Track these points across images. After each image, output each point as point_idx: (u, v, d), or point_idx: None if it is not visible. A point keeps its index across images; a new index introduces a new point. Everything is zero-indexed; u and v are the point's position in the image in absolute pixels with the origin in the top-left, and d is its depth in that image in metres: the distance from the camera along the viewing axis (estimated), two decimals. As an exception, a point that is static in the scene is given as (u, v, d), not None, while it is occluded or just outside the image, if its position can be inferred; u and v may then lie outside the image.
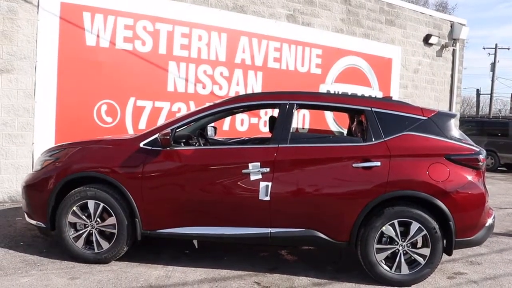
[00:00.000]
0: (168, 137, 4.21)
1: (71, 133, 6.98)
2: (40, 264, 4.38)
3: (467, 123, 16.87)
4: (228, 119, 8.62)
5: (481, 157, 4.20)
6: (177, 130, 4.46)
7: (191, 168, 4.30)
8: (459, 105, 13.24)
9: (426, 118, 4.28)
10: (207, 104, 4.68)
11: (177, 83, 8.13)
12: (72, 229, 4.48)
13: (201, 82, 8.36)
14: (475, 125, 16.93)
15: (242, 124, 8.86)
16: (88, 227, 4.45)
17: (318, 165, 4.19)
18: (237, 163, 4.23)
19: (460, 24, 12.20)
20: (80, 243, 4.46)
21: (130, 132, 7.63)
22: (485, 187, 4.23)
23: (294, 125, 9.45)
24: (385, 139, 4.20)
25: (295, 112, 4.40)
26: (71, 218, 4.45)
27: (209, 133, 5.98)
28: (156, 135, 4.32)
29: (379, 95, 10.42)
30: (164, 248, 4.96)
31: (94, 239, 4.44)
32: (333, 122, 9.94)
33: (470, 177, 4.12)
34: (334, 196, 4.14)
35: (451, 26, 12.27)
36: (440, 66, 12.11)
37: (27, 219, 4.77)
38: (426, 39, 11.58)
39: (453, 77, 12.34)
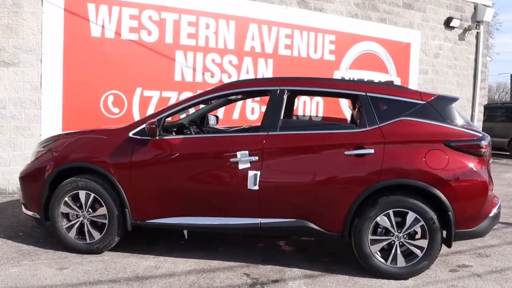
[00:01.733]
0: (153, 126, 4.11)
1: (78, 124, 6.97)
2: (34, 254, 4.38)
3: (498, 109, 16.25)
4: (238, 108, 8.49)
5: (484, 143, 3.94)
6: (167, 119, 4.37)
7: (179, 157, 4.20)
8: (483, 91, 12.69)
9: (425, 102, 4.04)
10: (198, 92, 4.55)
11: (184, 72, 8.04)
12: (64, 220, 4.47)
13: (210, 71, 8.25)
14: (505, 111, 16.25)
15: (253, 113, 8.71)
16: (80, 217, 4.43)
17: (309, 153, 4.02)
18: (225, 151, 4.10)
19: (484, 5, 11.65)
20: (72, 234, 4.44)
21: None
22: (489, 175, 3.97)
23: (307, 112, 9.54)
24: (379, 125, 3.98)
25: (286, 98, 4.22)
26: (63, 209, 4.44)
27: (210, 122, 5.89)
28: (145, 125, 4.24)
29: (397, 81, 10.08)
30: (160, 239, 4.89)
31: (86, 229, 4.42)
32: (348, 109, 9.67)
33: (471, 164, 3.87)
34: (325, 185, 3.96)
35: (474, 8, 11.73)
36: (462, 50, 11.62)
37: (24, 210, 4.78)
38: (447, 22, 11.11)
39: (477, 61, 11.82)
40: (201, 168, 4.15)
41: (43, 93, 7.01)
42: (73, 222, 4.44)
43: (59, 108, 7.12)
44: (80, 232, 4.45)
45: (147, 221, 4.31)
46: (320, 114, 9.50)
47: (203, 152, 4.18)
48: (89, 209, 4.41)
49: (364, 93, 4.12)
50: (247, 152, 4.03)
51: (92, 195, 4.37)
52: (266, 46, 8.79)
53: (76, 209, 4.42)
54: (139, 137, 4.30)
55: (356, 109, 4.61)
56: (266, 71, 8.76)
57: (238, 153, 4.04)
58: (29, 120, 6.99)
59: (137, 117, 7.67)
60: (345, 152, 3.93)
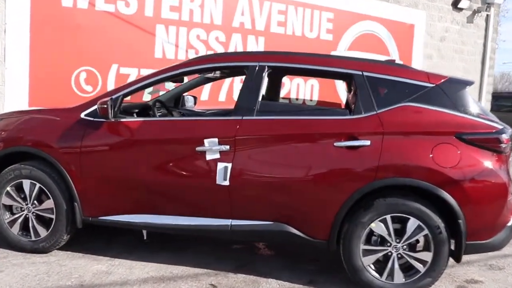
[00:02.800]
0: (105, 106, 3.42)
1: (46, 102, 6.27)
2: (-31, 252, 3.74)
3: (505, 99, 15.59)
4: (225, 87, 7.76)
5: (505, 137, 3.25)
6: (125, 98, 3.68)
7: (136, 143, 3.53)
8: (491, 78, 11.93)
9: (433, 85, 3.34)
10: (163, 68, 3.84)
11: (166, 49, 7.30)
12: (7, 213, 3.83)
13: (194, 48, 7.50)
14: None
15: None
16: (24, 210, 3.78)
17: (291, 143, 3.33)
18: (191, 138, 3.43)
19: (496, -14, 10.85)
20: (15, 229, 3.81)
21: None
22: (508, 175, 3.29)
23: (300, 96, 8.81)
24: (377, 112, 3.29)
25: (266, 76, 3.52)
26: (5, 200, 3.80)
27: (187, 103, 5.22)
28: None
29: (399, 65, 9.33)
30: (121, 236, 4.23)
31: (30, 224, 3.78)
32: (346, 93, 8.95)
33: (488, 162, 3.19)
34: (309, 182, 3.29)
35: (485, -11, 10.94)
36: (470, 34, 10.84)
37: None
38: (455, 3, 10.32)
39: (485, 46, 11.04)
40: (161, 157, 3.48)
41: (7, 67, 6.28)
42: (16, 215, 3.80)
43: (25, 84, 6.40)
44: (25, 227, 3.81)
45: (99, 217, 3.65)
46: (316, 98, 8.79)
47: (164, 139, 3.50)
48: (35, 202, 3.75)
49: (360, 73, 3.42)
50: (216, 140, 3.35)
51: (38, 185, 3.72)
52: (257, 23, 8.04)
53: (20, 201, 3.77)
54: (91, 118, 3.63)
55: (352, 93, 3.91)
56: (256, 49, 8.02)
57: (206, 141, 3.36)
58: (-9, 96, 6.29)
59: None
60: (335, 144, 3.25)
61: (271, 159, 3.34)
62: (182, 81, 4.65)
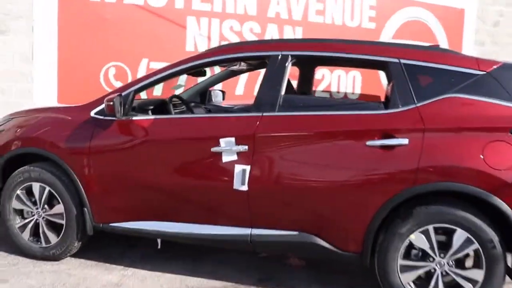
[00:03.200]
0: (111, 103, 3.13)
1: (75, 100, 6.08)
2: (-18, 258, 3.57)
3: None
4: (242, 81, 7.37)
5: None
6: (136, 94, 3.38)
7: (146, 143, 3.22)
8: (553, 66, 10.94)
9: (484, 73, 2.83)
10: (177, 61, 3.50)
11: (197, 41, 6.98)
12: (18, 217, 3.63)
13: (227, 40, 7.16)
14: None
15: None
16: (34, 215, 3.57)
17: (317, 142, 2.91)
18: (205, 138, 3.08)
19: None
20: (26, 235, 3.60)
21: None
22: None
23: (341, 89, 8.31)
24: (417, 105, 2.82)
25: (289, 67, 3.11)
26: (15, 204, 3.60)
27: (214, 98, 4.91)
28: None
29: (449, 54, 8.63)
30: (139, 242, 3.95)
31: (40, 230, 3.56)
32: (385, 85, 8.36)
33: (552, 163, 2.67)
34: (338, 187, 2.87)
35: (546, -33, 9.97)
36: (529, 18, 9.94)
37: None
38: (512, -15, 9.48)
39: (545, 31, 10.11)
40: (174, 159, 3.15)
41: (35, 64, 6.20)
42: (27, 220, 3.59)
43: (53, 81, 6.29)
44: (35, 233, 3.60)
45: (110, 224, 3.38)
46: (358, 91, 8.26)
47: (177, 138, 3.17)
48: (45, 206, 3.53)
49: (396, 60, 2.95)
50: (233, 139, 2.99)
51: (47, 188, 3.49)
52: (294, 12, 7.59)
53: (30, 205, 3.56)
54: (101, 117, 3.35)
55: (389, 83, 3.44)
56: (293, 41, 7.60)
57: (222, 141, 3.00)
58: (20, 95, 6.21)
59: (142, 93, 6.78)
60: (368, 143, 2.81)
61: (295, 160, 2.94)
62: (203, 74, 4.30)
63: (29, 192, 3.56)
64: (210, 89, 4.92)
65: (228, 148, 2.99)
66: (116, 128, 3.28)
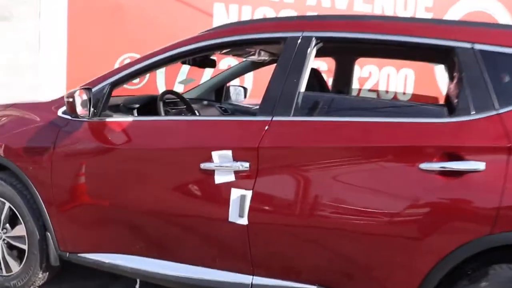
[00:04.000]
0: (71, 99, 2.37)
1: None
2: None
3: None
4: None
5: None
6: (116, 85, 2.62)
7: (120, 154, 2.42)
8: None
9: None
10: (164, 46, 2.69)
11: (225, 32, 6.24)
12: (-21, 240, 2.95)
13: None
14: None
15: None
16: (-6, 237, 2.88)
17: (348, 161, 2.04)
18: (192, 149, 2.26)
19: None
20: (-14, 260, 2.91)
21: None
22: None
23: (391, 88, 7.34)
24: (499, 112, 1.89)
25: (312, 53, 2.25)
26: (-26, 223, 2.91)
27: (233, 96, 4.12)
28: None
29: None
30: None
31: (0, 255, 2.86)
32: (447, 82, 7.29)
33: None
34: (375, 228, 1.97)
35: None
36: None
37: None
38: None
39: None
40: (154, 176, 2.34)
41: (42, 55, 5.61)
42: (-14, 243, 2.91)
43: (62, 74, 5.68)
44: (-4, 258, 2.91)
45: (79, 254, 2.62)
46: (410, 91, 7.25)
47: (157, 148, 2.36)
48: (6, 225, 2.83)
49: (468, 45, 2.02)
50: (229, 152, 2.15)
51: (7, 204, 2.77)
52: (338, 0, 6.72)
53: (-11, 224, 2.87)
54: (69, 117, 2.61)
55: (453, 80, 2.47)
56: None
57: (214, 154, 2.17)
58: (25, 89, 5.61)
59: (162, 89, 6.13)
60: (421, 166, 1.90)
61: (314, 186, 2.07)
62: (210, 64, 3.49)
63: (-9, 208, 2.88)
64: (228, 84, 4.12)
65: (222, 165, 2.16)
66: (84, 132, 2.51)
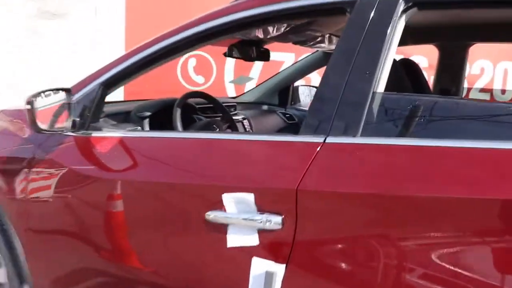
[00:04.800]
0: (30, 107, 1.64)
1: (146, 97, 5.05)
2: None
3: None
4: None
5: None
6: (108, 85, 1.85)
7: (105, 185, 1.63)
8: None
9: None
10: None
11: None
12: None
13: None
14: None
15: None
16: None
17: (442, 214, 1.06)
18: (194, 187, 1.41)
19: None
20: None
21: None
22: None
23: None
24: None
25: (400, 23, 1.29)
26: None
27: (303, 98, 3.32)
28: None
29: None
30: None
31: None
32: None
33: None
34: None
35: None
36: None
37: None
38: None
39: None
40: (147, 222, 1.52)
41: (99, 54, 5.19)
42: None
43: (121, 75, 5.26)
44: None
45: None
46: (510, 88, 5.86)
47: (147, 182, 1.53)
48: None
49: None
50: (251, 196, 1.27)
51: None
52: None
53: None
54: (48, 131, 1.88)
55: None
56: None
57: (227, 198, 1.30)
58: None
59: (231, 90, 5.48)
60: None
61: (391, 253, 1.13)
62: (264, 57, 2.58)
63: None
64: (295, 84, 3.26)
65: (239, 217, 1.29)
66: (64, 150, 1.78)
